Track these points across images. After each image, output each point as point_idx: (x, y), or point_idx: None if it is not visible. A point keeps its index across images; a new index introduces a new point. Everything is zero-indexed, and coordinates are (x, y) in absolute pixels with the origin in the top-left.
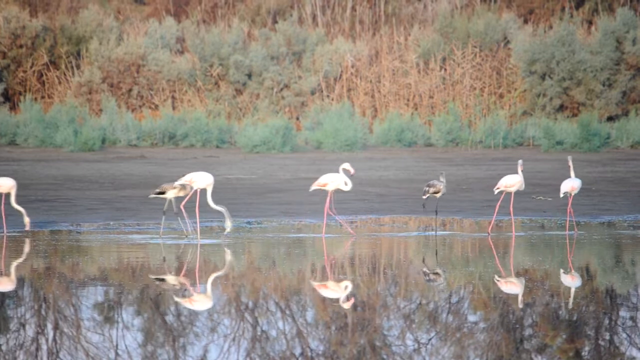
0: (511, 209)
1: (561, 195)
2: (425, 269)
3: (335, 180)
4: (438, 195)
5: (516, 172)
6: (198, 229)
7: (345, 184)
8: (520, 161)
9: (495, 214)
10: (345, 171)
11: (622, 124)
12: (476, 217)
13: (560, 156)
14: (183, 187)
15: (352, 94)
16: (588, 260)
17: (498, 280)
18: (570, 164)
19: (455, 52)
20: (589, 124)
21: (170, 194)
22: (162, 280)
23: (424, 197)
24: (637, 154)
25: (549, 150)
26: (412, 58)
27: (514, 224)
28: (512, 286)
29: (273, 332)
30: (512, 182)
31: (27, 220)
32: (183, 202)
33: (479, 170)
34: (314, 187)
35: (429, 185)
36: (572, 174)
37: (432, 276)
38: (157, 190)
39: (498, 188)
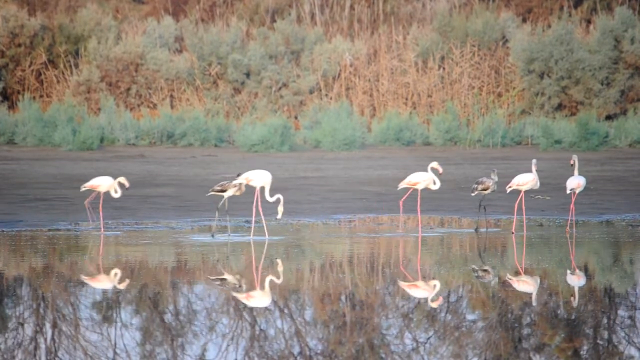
0: (523, 207)
1: (567, 192)
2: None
3: (426, 179)
4: (487, 192)
5: (520, 172)
6: (265, 227)
7: (434, 182)
8: (534, 160)
9: (517, 213)
10: (434, 170)
11: (620, 122)
12: (475, 217)
13: (558, 155)
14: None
15: (350, 93)
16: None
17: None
18: (576, 162)
19: (453, 51)
20: (587, 122)
21: (230, 193)
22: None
23: (473, 194)
24: (635, 152)
25: (548, 149)
26: (411, 57)
27: (513, 222)
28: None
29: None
30: (524, 181)
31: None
32: (260, 202)
33: (478, 169)
34: (402, 185)
35: (477, 183)
36: (576, 172)
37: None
38: (218, 188)
39: (510, 187)
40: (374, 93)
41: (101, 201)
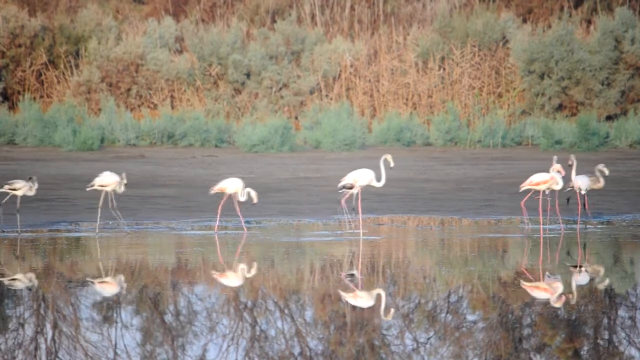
0: (557, 208)
1: (583, 192)
2: None
3: (548, 180)
4: (595, 188)
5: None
6: (360, 225)
7: (557, 182)
8: (572, 156)
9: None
10: (558, 172)
11: (620, 123)
12: (475, 217)
13: (559, 155)
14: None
15: (350, 93)
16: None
17: None
18: (574, 162)
19: (454, 51)
20: (587, 123)
21: (355, 190)
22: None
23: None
24: (635, 153)
25: (548, 150)
26: (411, 57)
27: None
28: None
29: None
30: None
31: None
32: (350, 199)
33: (478, 170)
34: (524, 187)
35: None
36: (574, 172)
37: None
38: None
39: (571, 187)
40: (374, 93)
41: (222, 202)
